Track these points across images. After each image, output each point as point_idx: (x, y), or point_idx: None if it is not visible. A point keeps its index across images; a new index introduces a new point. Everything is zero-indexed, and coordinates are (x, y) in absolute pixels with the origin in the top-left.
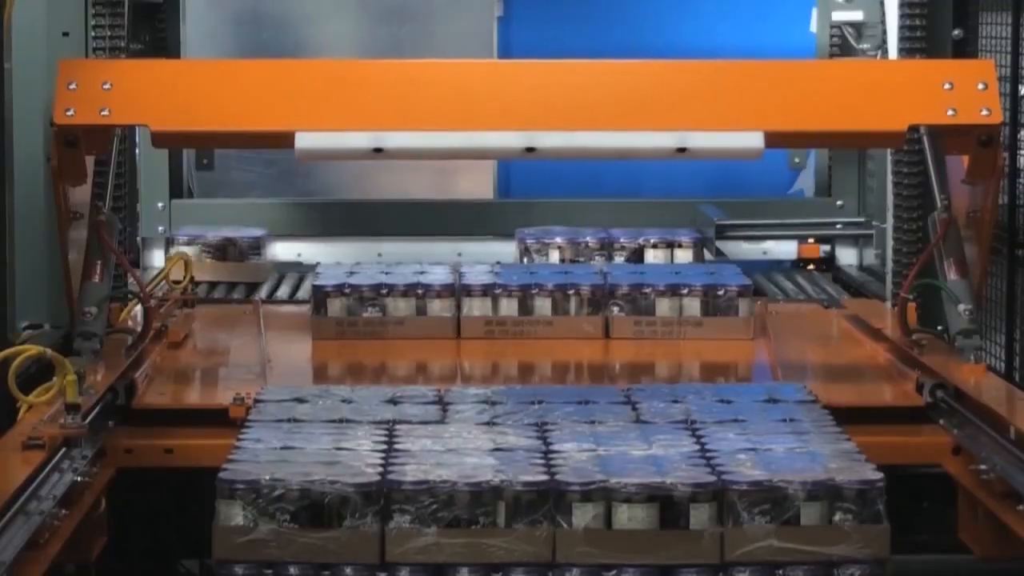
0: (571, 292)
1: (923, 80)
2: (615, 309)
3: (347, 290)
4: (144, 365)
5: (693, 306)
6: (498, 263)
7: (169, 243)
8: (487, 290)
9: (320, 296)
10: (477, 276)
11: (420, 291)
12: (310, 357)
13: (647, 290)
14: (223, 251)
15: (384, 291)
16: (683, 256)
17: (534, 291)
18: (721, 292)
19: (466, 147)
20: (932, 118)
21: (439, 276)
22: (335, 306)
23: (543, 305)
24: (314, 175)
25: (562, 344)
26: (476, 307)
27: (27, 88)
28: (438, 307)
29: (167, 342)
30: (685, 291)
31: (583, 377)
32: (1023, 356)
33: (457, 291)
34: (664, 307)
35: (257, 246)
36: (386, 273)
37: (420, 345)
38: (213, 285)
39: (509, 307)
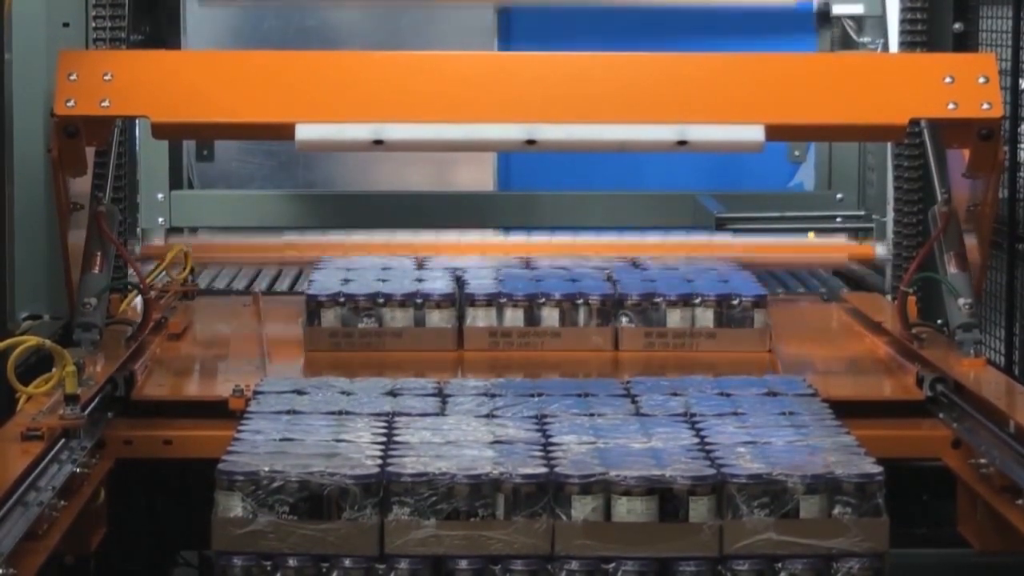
0: (579, 302)
1: (924, 73)
2: (624, 320)
3: (342, 299)
4: (144, 356)
5: (706, 317)
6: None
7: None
8: (492, 299)
9: (313, 306)
10: (481, 284)
11: (419, 300)
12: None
13: (658, 300)
14: None
15: (381, 300)
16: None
17: (541, 300)
18: (735, 302)
19: (466, 139)
20: (933, 112)
21: (439, 285)
22: (329, 316)
23: (550, 315)
24: (314, 167)
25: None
26: (480, 317)
27: (27, 79)
28: (437, 318)
29: (167, 333)
30: (698, 301)
31: None
32: (1023, 350)
33: (460, 300)
34: (675, 318)
35: None
36: (383, 281)
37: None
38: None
39: (514, 317)
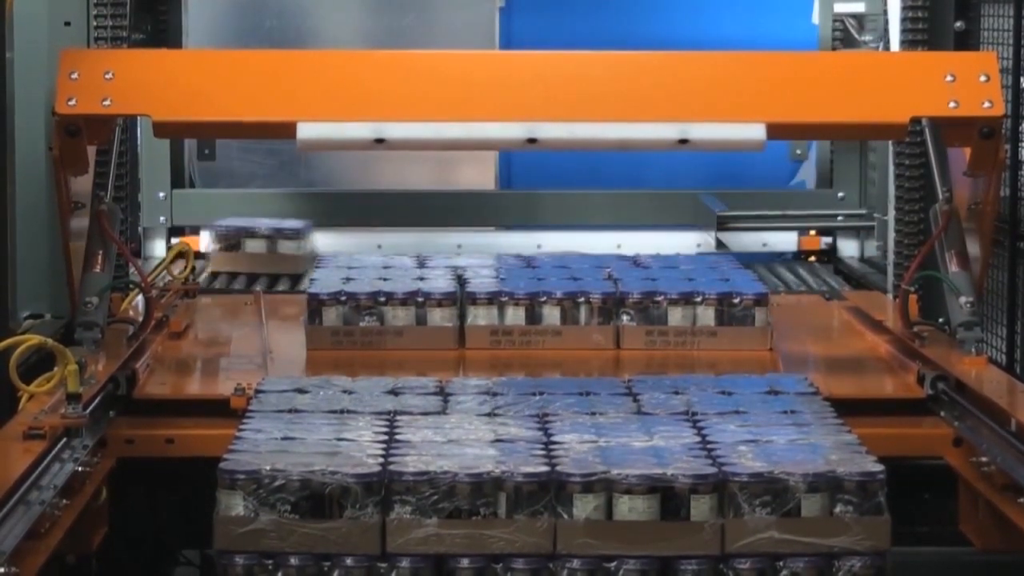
0: (580, 300)
1: (925, 72)
2: (625, 318)
3: (343, 298)
4: (145, 355)
5: (707, 315)
6: (499, 258)
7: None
8: (493, 298)
9: (314, 305)
10: (482, 283)
11: (420, 299)
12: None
13: (659, 298)
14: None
15: (382, 299)
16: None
17: (542, 299)
18: (736, 300)
19: (468, 138)
20: (934, 110)
21: (440, 283)
22: (331, 315)
23: (551, 314)
24: (315, 165)
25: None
26: (481, 316)
27: (29, 77)
28: (439, 316)
29: (168, 332)
30: (699, 299)
31: None
32: None
33: (461, 299)
34: (676, 316)
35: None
36: (384, 280)
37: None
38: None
39: (515, 316)
